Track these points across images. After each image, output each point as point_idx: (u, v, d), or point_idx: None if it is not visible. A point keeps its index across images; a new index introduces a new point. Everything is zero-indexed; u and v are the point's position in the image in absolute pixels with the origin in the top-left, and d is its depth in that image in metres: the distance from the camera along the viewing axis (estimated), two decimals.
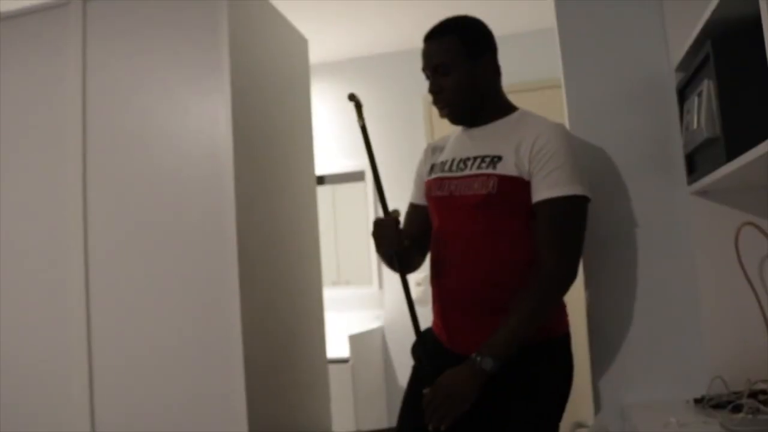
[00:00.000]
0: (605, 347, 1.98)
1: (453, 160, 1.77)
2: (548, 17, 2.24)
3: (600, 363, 1.98)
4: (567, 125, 2.08)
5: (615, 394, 1.96)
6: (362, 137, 1.79)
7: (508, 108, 1.80)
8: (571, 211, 1.64)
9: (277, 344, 2.11)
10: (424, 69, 1.77)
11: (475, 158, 1.71)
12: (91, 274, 2.01)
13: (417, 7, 3.44)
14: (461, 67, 1.71)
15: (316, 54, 3.27)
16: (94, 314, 2.00)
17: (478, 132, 1.78)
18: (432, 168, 1.83)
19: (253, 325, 1.91)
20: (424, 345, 1.72)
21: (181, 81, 2.00)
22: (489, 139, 1.74)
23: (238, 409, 1.85)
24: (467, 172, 1.71)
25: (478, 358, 1.54)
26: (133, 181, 2.01)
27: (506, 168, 1.65)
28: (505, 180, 1.65)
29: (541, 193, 1.62)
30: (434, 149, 1.89)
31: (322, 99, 4.08)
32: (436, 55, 1.72)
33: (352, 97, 1.81)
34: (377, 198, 1.82)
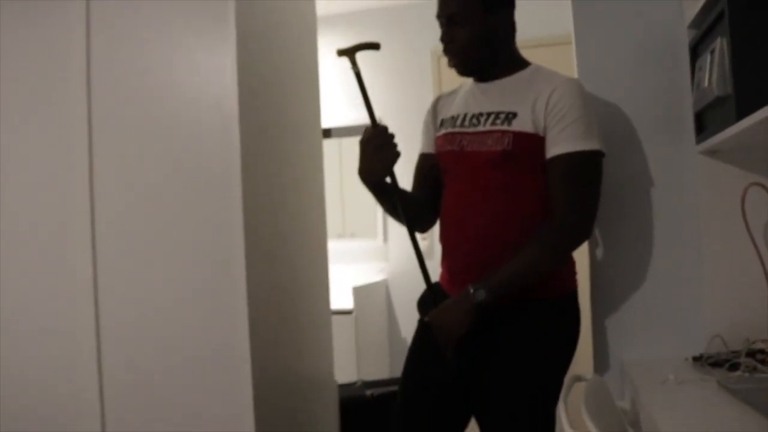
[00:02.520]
0: (607, 304, 2.00)
1: (465, 115, 1.74)
2: None
3: (601, 319, 2.00)
4: None
5: (614, 350, 1.98)
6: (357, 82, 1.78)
7: (521, 63, 1.77)
8: (586, 166, 1.63)
9: (281, 294, 2.13)
10: (439, 16, 1.72)
11: (489, 114, 1.69)
12: (97, 227, 2.02)
13: None
14: (477, 20, 1.67)
15: (323, 5, 3.22)
16: (101, 267, 2.01)
17: (491, 87, 1.74)
18: (442, 123, 1.80)
19: (257, 274, 1.93)
20: (434, 297, 1.70)
21: (187, 33, 1.97)
22: (503, 94, 1.71)
23: (242, 357, 1.88)
24: (480, 128, 1.69)
25: (472, 290, 1.57)
26: (139, 134, 2.01)
27: (522, 124, 1.63)
28: (520, 136, 1.63)
29: (556, 147, 1.61)
30: (443, 102, 1.86)
31: (329, 51, 4.02)
32: (453, 3, 1.69)
33: (341, 53, 1.79)
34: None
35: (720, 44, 1.54)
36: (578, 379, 1.83)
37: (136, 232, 2.00)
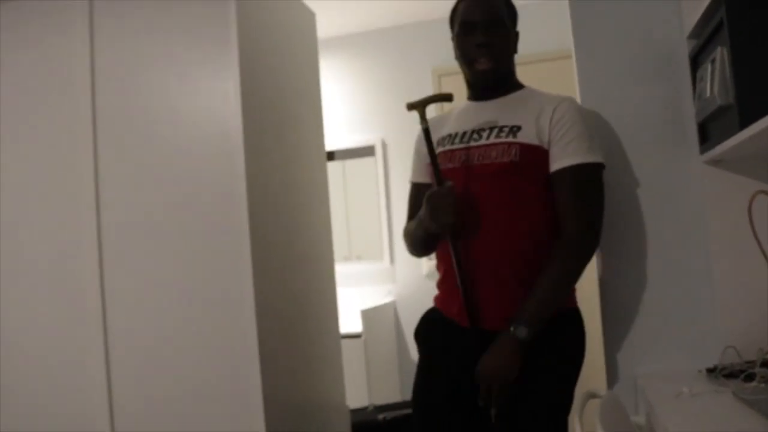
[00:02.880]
0: (618, 317, 1.98)
1: (465, 132, 1.75)
2: None
3: (613, 333, 1.99)
4: (578, 96, 2.06)
5: (627, 365, 1.96)
6: (425, 139, 1.75)
7: (517, 84, 1.82)
8: (590, 178, 1.68)
9: (290, 320, 2.12)
10: (471, 23, 1.72)
11: (491, 128, 1.71)
12: (104, 255, 2.03)
13: None
14: (509, 29, 1.76)
15: (324, 28, 3.24)
16: (109, 293, 2.02)
17: (489, 104, 1.77)
18: (437, 143, 1.80)
19: (266, 301, 1.93)
20: (434, 330, 1.77)
21: (190, 59, 1.99)
22: (504, 110, 1.73)
23: (253, 385, 1.87)
24: (483, 141, 1.70)
25: (512, 329, 1.56)
26: (144, 160, 2.02)
27: (527, 137, 1.66)
28: (526, 148, 1.66)
29: (561, 160, 1.65)
30: (433, 126, 1.83)
31: (330, 74, 4.06)
32: (493, 9, 1.72)
33: (411, 107, 1.76)
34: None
35: (720, 53, 1.54)
36: (592, 395, 1.81)
37: (142, 259, 2.00)
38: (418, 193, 1.86)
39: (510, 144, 1.66)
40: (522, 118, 1.68)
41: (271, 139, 2.10)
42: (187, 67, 1.99)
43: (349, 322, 3.39)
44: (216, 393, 1.92)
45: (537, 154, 1.66)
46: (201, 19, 1.97)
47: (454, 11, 1.82)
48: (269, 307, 1.95)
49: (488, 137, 1.69)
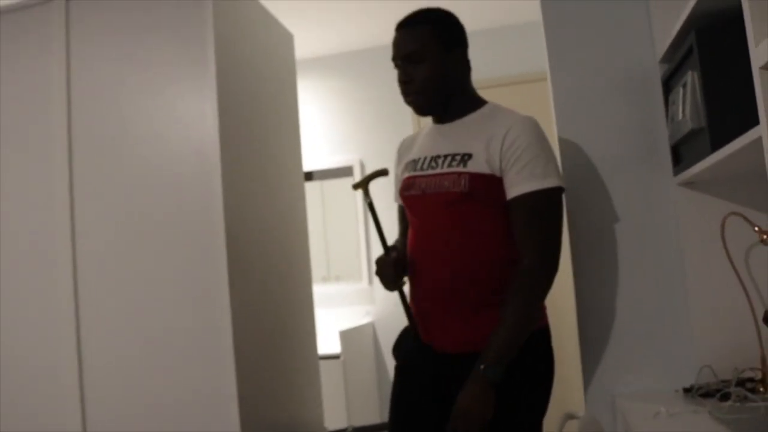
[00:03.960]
0: (594, 338, 2.00)
1: (424, 159, 1.75)
2: (534, 11, 2.24)
3: (589, 354, 1.99)
4: (553, 118, 2.09)
5: (605, 385, 1.97)
6: (371, 212, 1.88)
7: (477, 102, 1.77)
8: (547, 205, 1.63)
9: (268, 341, 2.10)
10: (395, 58, 1.75)
11: (445, 156, 1.70)
12: (79, 275, 2.00)
13: (402, 2, 3.43)
14: (433, 58, 1.69)
15: (302, 49, 3.26)
16: (83, 314, 1.99)
17: (448, 128, 1.76)
18: (405, 167, 1.82)
19: (243, 322, 1.91)
20: (407, 345, 1.81)
21: (167, 78, 1.98)
22: (458, 136, 1.72)
23: (230, 406, 1.84)
24: (438, 170, 1.70)
25: (483, 370, 1.53)
26: (120, 180, 2.00)
27: (477, 166, 1.63)
28: (476, 177, 1.63)
29: (516, 188, 1.61)
30: (405, 146, 1.90)
31: (309, 94, 4.07)
32: (410, 43, 1.70)
33: (356, 186, 1.89)
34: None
35: (691, 78, 1.57)
36: (571, 416, 1.82)
37: (119, 280, 1.98)
38: (403, 213, 1.91)
39: (460, 174, 1.64)
40: (473, 145, 1.66)
41: (248, 159, 2.10)
42: (164, 87, 1.98)
43: (328, 343, 3.37)
44: (192, 414, 1.89)
45: (489, 183, 1.63)
46: (178, 39, 1.97)
47: None
48: (246, 327, 1.93)
49: (441, 166, 1.69)
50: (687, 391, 1.78)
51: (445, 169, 1.68)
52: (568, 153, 2.05)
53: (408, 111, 4.01)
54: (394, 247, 1.82)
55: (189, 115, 1.95)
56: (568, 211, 2.05)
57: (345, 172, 4.10)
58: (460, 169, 1.65)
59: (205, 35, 1.93)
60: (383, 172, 1.89)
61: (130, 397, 1.94)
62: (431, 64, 1.69)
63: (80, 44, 2.05)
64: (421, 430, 1.72)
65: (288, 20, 2.61)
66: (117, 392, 1.96)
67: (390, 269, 1.75)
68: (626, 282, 1.99)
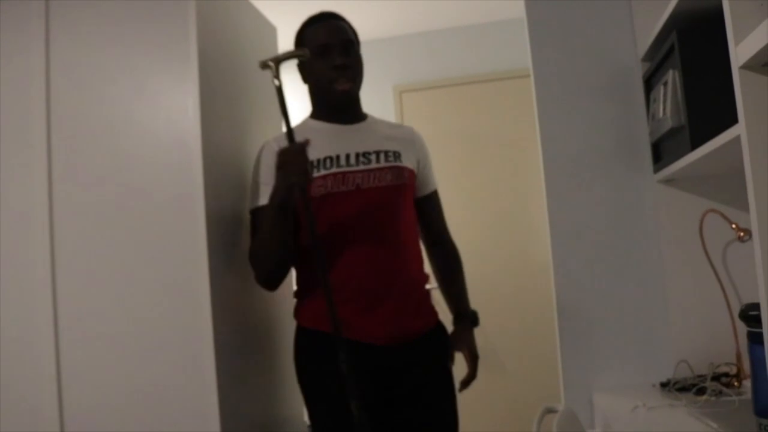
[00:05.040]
0: (573, 333, 2.02)
1: (348, 155, 1.74)
2: (518, 7, 2.25)
3: (568, 349, 2.01)
4: (536, 114, 2.10)
5: (583, 380, 1.99)
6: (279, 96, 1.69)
7: (362, 111, 1.90)
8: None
9: (249, 334, 2.10)
10: (330, 42, 1.77)
11: (377, 152, 1.77)
12: (57, 267, 1.97)
13: None
14: (359, 53, 1.85)
15: (285, 42, 3.23)
16: (61, 306, 1.96)
17: (358, 128, 1.83)
18: (312, 165, 1.72)
19: (223, 315, 1.90)
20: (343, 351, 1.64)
21: (149, 71, 1.96)
22: (372, 136, 1.81)
23: (210, 401, 1.83)
24: (373, 165, 1.75)
25: (472, 314, 1.91)
26: (101, 172, 1.98)
27: (408, 161, 1.81)
28: (410, 172, 1.81)
29: (429, 185, 1.91)
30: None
31: (290, 87, 4.05)
32: (348, 32, 1.81)
33: (265, 65, 1.69)
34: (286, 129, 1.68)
35: (672, 76, 1.59)
36: (549, 410, 1.83)
37: (97, 272, 1.96)
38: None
39: (401, 168, 1.78)
40: (398, 144, 1.82)
41: (230, 152, 2.08)
42: (146, 80, 1.96)
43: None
44: (171, 405, 1.88)
45: (412, 178, 1.83)
46: (160, 31, 1.95)
47: (300, 35, 1.86)
48: (227, 320, 1.92)
49: (377, 161, 1.76)
50: (664, 385, 1.80)
51: (383, 164, 1.76)
52: (549, 149, 2.06)
53: (391, 104, 4.02)
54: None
55: (171, 108, 1.93)
56: (548, 207, 2.06)
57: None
58: (399, 163, 1.79)
59: (188, 27, 1.91)
60: (302, 55, 1.72)
61: (108, 393, 1.93)
62: (360, 59, 1.83)
63: (60, 37, 2.02)
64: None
65: (271, 13, 2.59)
66: (95, 388, 1.94)
67: (302, 156, 1.59)
68: (605, 277, 2.01)
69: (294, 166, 1.59)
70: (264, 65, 1.68)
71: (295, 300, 1.86)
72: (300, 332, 1.82)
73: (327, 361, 1.65)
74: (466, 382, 1.84)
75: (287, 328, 2.44)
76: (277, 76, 1.64)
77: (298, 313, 1.84)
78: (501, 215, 3.72)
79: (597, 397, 1.88)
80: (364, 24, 3.80)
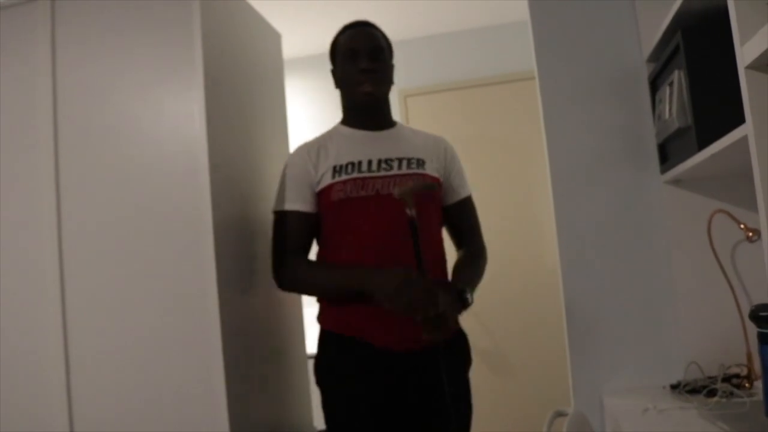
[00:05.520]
0: (582, 336, 2.01)
1: (370, 161, 1.76)
2: (522, 10, 2.25)
3: (577, 351, 2.01)
4: (541, 116, 2.10)
5: (593, 382, 1.98)
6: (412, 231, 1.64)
7: (392, 118, 1.92)
8: (474, 206, 1.98)
9: (256, 340, 2.10)
10: (360, 50, 1.80)
11: (400, 159, 1.79)
12: (66, 275, 1.98)
13: (389, 2, 3.44)
14: (389, 61, 1.89)
15: (289, 49, 3.25)
16: (70, 314, 1.97)
17: (385, 135, 1.85)
18: (335, 170, 1.76)
19: (231, 321, 1.90)
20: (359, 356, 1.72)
21: (154, 78, 1.97)
22: (398, 143, 1.83)
23: (219, 405, 1.84)
24: (395, 171, 1.77)
25: (463, 290, 1.69)
26: (108, 180, 1.98)
27: (433, 170, 1.83)
28: (434, 180, 1.82)
29: (461, 191, 1.92)
30: (318, 151, 1.82)
31: (296, 94, 4.06)
32: (379, 39, 1.85)
33: (400, 196, 1.66)
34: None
35: (678, 77, 1.58)
36: (559, 414, 1.83)
37: (106, 279, 1.96)
38: (304, 222, 1.79)
39: (423, 176, 1.79)
40: (423, 152, 1.84)
41: (236, 159, 2.09)
42: (152, 87, 1.97)
43: (316, 342, 3.36)
44: (179, 411, 1.88)
45: (439, 186, 1.84)
46: (166, 38, 1.96)
47: (335, 43, 1.91)
48: (234, 326, 1.92)
49: (399, 167, 1.77)
50: (674, 387, 1.79)
51: (405, 171, 1.77)
52: (555, 151, 2.06)
53: (395, 108, 4.02)
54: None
55: (176, 115, 1.94)
56: (555, 209, 2.06)
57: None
58: (421, 171, 1.80)
59: (193, 34, 1.92)
60: (432, 186, 1.77)
61: (117, 396, 1.93)
62: (389, 65, 1.88)
63: (66, 44, 2.04)
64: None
65: (276, 20, 2.60)
66: (104, 392, 1.94)
67: (436, 298, 1.55)
68: (613, 279, 2.00)
69: (421, 303, 1.55)
70: (399, 197, 1.65)
71: (318, 304, 1.88)
72: (324, 336, 1.85)
73: (349, 365, 1.72)
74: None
75: (295, 334, 2.44)
76: (410, 207, 1.62)
77: (322, 316, 1.86)
78: (508, 217, 3.71)
79: (607, 400, 1.87)
80: None
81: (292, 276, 1.79)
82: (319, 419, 2.59)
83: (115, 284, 1.96)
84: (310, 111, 4.15)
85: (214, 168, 1.90)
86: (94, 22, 2.02)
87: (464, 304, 1.67)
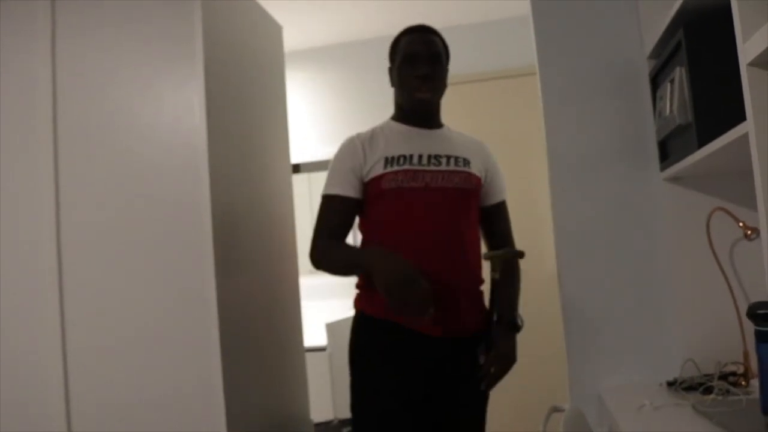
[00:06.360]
0: (579, 332, 2.01)
1: (421, 155, 1.83)
2: (523, 5, 2.25)
3: (575, 348, 2.01)
4: (541, 112, 2.09)
5: (590, 379, 1.98)
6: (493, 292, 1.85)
7: (441, 120, 1.97)
8: (508, 211, 2.02)
9: (254, 333, 2.10)
10: (420, 55, 1.84)
11: (447, 156, 1.85)
12: (64, 267, 1.98)
13: None
14: (446, 67, 1.92)
15: (290, 41, 3.25)
16: (68, 305, 1.97)
17: (436, 134, 1.91)
18: (387, 161, 1.81)
19: (229, 314, 1.90)
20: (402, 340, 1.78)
21: (155, 71, 1.97)
22: (448, 142, 1.89)
23: (216, 398, 1.84)
24: (443, 167, 1.83)
25: (514, 319, 1.84)
26: (108, 173, 1.98)
27: (476, 169, 1.89)
28: (477, 180, 1.89)
29: (500, 194, 1.98)
30: (370, 142, 1.86)
31: (297, 86, 4.05)
32: (437, 45, 1.87)
33: (489, 258, 1.87)
34: None
35: (679, 73, 1.58)
36: (556, 409, 1.83)
37: (104, 272, 1.96)
38: (347, 207, 1.85)
39: (469, 174, 1.86)
40: (468, 153, 1.90)
41: (236, 151, 2.09)
42: (152, 79, 1.97)
43: (314, 335, 3.36)
44: (177, 405, 1.89)
45: (479, 185, 1.90)
46: (166, 31, 1.95)
47: (396, 43, 1.93)
48: (233, 319, 1.93)
49: (447, 164, 1.84)
50: (670, 384, 1.79)
51: (453, 167, 1.84)
52: (555, 147, 2.06)
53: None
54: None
55: (177, 107, 1.93)
56: (553, 205, 2.06)
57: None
58: (467, 169, 1.86)
59: (193, 27, 1.91)
60: (520, 254, 1.88)
61: (115, 388, 1.93)
62: (445, 71, 1.91)
63: (66, 36, 2.03)
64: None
65: (277, 12, 2.59)
66: (102, 384, 1.95)
67: (429, 295, 1.58)
68: (611, 276, 2.00)
69: (417, 299, 1.58)
70: (487, 258, 1.86)
71: (357, 290, 1.91)
72: (359, 319, 1.88)
73: (386, 347, 1.78)
74: (490, 378, 1.79)
75: (293, 326, 2.45)
76: (497, 270, 1.84)
77: (361, 300, 1.89)
78: None
79: (604, 396, 1.87)
80: (369, 23, 3.81)
81: (320, 256, 1.83)
82: (315, 412, 2.60)
83: (113, 274, 1.96)
84: (310, 104, 4.14)
85: (214, 160, 1.90)
86: (93, 14, 2.02)
87: (517, 330, 1.84)
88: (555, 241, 2.04)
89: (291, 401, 2.35)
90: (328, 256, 1.83)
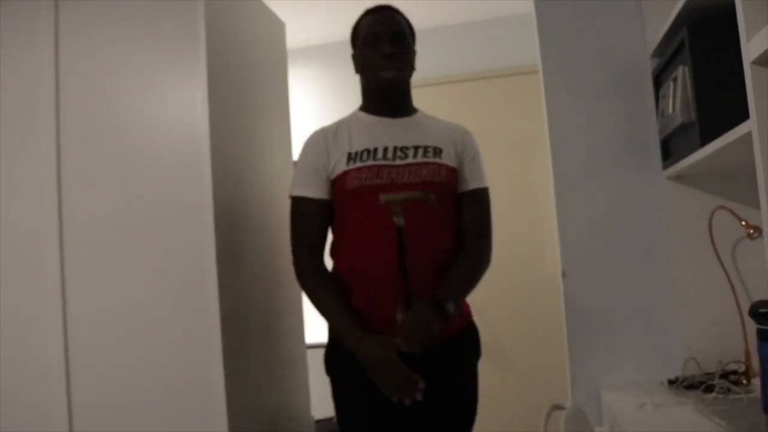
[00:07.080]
0: (581, 330, 2.01)
1: (386, 148, 1.72)
2: (527, 3, 2.24)
3: (576, 346, 2.01)
4: (545, 110, 2.09)
5: (591, 376, 1.99)
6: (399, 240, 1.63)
7: (412, 105, 1.87)
8: (488, 200, 1.84)
9: (256, 329, 2.10)
10: (380, 32, 1.75)
11: (415, 147, 1.74)
12: (66, 265, 1.98)
13: None
14: (411, 45, 1.82)
15: (293, 38, 3.23)
16: (71, 303, 1.97)
17: (404, 122, 1.80)
18: (350, 157, 1.73)
19: (231, 311, 1.91)
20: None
21: (157, 67, 1.97)
22: (417, 131, 1.78)
23: (217, 394, 1.84)
24: (410, 160, 1.72)
25: (443, 302, 1.61)
26: (110, 169, 1.98)
27: (449, 159, 1.76)
28: (449, 170, 1.75)
29: (472, 182, 1.80)
30: (334, 136, 1.78)
31: (299, 83, 4.05)
32: (398, 23, 1.79)
33: (388, 202, 1.64)
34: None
35: (682, 72, 1.58)
36: (557, 407, 1.83)
37: (107, 266, 1.96)
38: (317, 210, 1.76)
39: (439, 165, 1.73)
40: (440, 141, 1.77)
41: (238, 147, 2.09)
42: (155, 75, 1.97)
43: (316, 332, 3.36)
44: (178, 402, 1.89)
45: (454, 176, 1.76)
46: (169, 27, 1.95)
47: (356, 28, 1.86)
48: (234, 316, 1.93)
49: (415, 156, 1.72)
50: (672, 382, 1.80)
51: (420, 159, 1.72)
52: (558, 146, 2.05)
53: None
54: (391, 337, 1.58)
55: (179, 104, 1.93)
56: (557, 204, 2.06)
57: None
58: (437, 160, 1.74)
59: (196, 23, 1.91)
60: (425, 198, 1.68)
61: (117, 387, 1.93)
62: (411, 49, 1.81)
63: (69, 34, 2.03)
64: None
65: (279, 9, 2.59)
66: (104, 379, 1.95)
67: (400, 374, 1.56)
68: (613, 274, 2.00)
69: (393, 384, 1.58)
70: (386, 203, 1.65)
71: None
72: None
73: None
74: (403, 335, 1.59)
75: (295, 323, 2.45)
76: (398, 215, 1.62)
77: None
78: (509, 211, 3.70)
79: (605, 394, 1.87)
80: None
81: (304, 284, 1.78)
82: (316, 408, 2.60)
83: (115, 272, 1.96)
84: (312, 101, 4.14)
85: (216, 156, 1.90)
86: (97, 12, 2.01)
87: (445, 317, 1.60)
88: (558, 240, 2.04)
89: (292, 399, 2.35)
90: (314, 292, 1.76)
